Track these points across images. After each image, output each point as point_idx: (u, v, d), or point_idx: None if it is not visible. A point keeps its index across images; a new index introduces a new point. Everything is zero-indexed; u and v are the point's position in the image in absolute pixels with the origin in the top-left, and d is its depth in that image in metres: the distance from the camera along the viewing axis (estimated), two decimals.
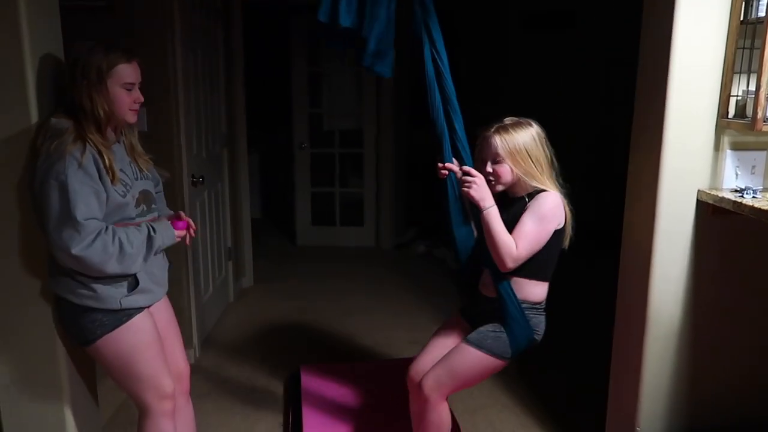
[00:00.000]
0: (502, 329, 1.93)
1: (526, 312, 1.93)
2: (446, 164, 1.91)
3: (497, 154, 1.87)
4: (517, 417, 2.77)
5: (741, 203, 1.80)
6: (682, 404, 2.13)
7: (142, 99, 1.77)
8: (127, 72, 1.72)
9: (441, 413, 2.01)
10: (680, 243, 2.00)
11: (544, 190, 1.88)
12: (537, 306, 1.97)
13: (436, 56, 1.87)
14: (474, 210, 1.90)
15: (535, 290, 1.96)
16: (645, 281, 2.04)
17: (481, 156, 1.91)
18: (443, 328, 2.14)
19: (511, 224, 1.85)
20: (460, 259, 2.04)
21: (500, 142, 1.87)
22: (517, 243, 1.82)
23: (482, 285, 2.03)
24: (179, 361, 2.02)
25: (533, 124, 1.92)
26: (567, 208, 1.92)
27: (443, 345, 2.05)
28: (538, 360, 3.32)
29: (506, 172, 1.88)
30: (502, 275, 1.88)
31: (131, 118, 1.78)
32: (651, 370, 2.09)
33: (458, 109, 1.90)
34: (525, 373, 3.17)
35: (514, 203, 1.92)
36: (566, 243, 1.96)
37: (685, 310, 2.06)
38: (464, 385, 2.02)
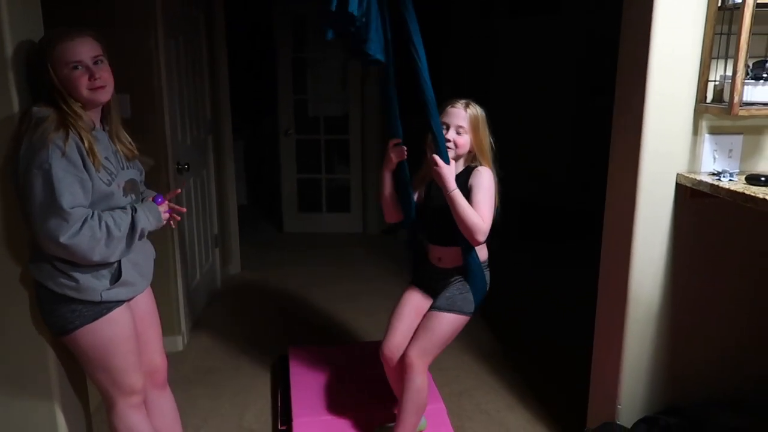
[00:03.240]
0: (467, 290, 2.14)
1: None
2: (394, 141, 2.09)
3: (461, 126, 2.05)
4: (503, 398, 2.83)
5: (718, 186, 1.84)
6: (662, 382, 2.19)
7: (102, 76, 1.67)
8: (70, 50, 1.62)
9: (425, 379, 2.17)
10: (660, 225, 2.05)
11: (476, 167, 2.07)
12: (485, 263, 2.23)
13: (413, 47, 1.95)
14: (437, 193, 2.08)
15: (483, 252, 2.21)
16: (626, 263, 2.08)
17: (445, 119, 2.06)
18: (403, 306, 2.26)
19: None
20: (408, 233, 2.28)
21: (468, 115, 2.05)
22: (482, 218, 2.01)
23: (435, 260, 2.21)
24: (155, 355, 1.99)
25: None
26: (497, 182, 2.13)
27: (409, 319, 2.21)
28: (523, 343, 3.39)
29: (465, 143, 2.06)
30: (471, 246, 2.08)
31: (99, 97, 1.68)
32: (631, 350, 2.14)
33: (431, 89, 1.99)
34: (510, 356, 3.23)
35: (461, 180, 2.07)
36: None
37: (665, 291, 2.11)
38: (443, 347, 2.19)
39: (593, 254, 2.38)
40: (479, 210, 2.01)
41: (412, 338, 2.16)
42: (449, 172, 2.00)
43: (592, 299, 2.36)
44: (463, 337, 3.41)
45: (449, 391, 2.84)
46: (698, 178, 1.93)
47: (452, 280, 2.17)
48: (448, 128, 2.06)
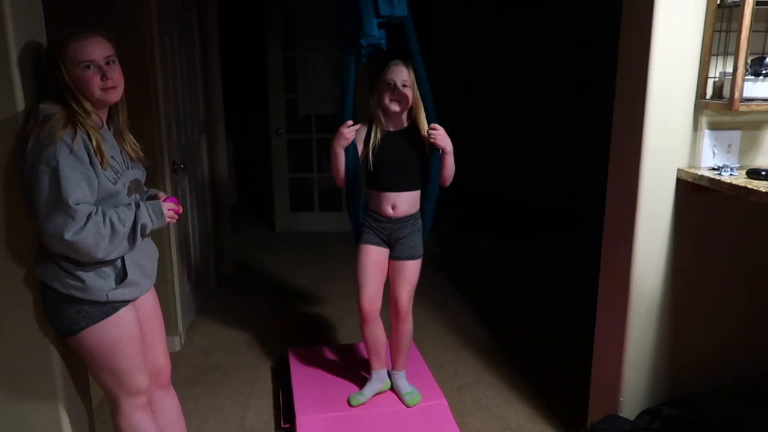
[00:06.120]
0: (419, 236, 2.48)
1: None
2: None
3: (406, 81, 2.32)
4: (502, 393, 2.85)
5: (718, 180, 1.87)
6: (664, 374, 2.22)
7: (114, 76, 1.67)
8: (83, 50, 1.62)
9: (411, 319, 2.57)
10: (661, 219, 2.08)
11: (432, 127, 2.33)
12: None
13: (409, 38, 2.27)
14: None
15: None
16: (627, 257, 2.11)
17: (391, 77, 2.32)
18: (365, 264, 2.48)
19: (412, 149, 2.38)
20: (352, 206, 2.50)
21: (409, 71, 2.33)
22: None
23: (388, 210, 2.43)
24: (159, 355, 1.98)
25: None
26: None
27: (374, 273, 2.48)
28: (522, 338, 3.41)
29: (410, 95, 2.33)
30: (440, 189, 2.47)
31: (111, 97, 1.69)
32: (633, 343, 2.17)
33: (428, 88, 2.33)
34: (509, 351, 3.25)
35: (405, 134, 2.40)
36: None
37: (666, 284, 2.14)
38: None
39: (588, 249, 2.41)
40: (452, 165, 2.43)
41: (397, 289, 2.48)
42: (445, 134, 2.34)
43: (592, 293, 2.39)
44: (462, 333, 3.45)
45: (449, 387, 2.85)
46: (699, 172, 1.96)
47: (406, 229, 2.45)
48: (394, 84, 2.32)
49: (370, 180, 2.45)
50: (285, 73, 5.28)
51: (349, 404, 2.56)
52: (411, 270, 2.48)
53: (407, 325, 2.55)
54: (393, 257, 2.48)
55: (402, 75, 2.32)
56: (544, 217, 5.68)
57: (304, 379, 2.75)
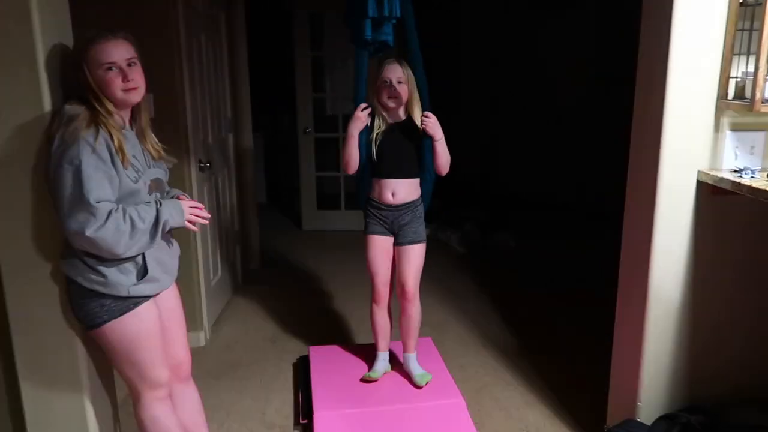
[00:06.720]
0: (420, 221, 2.63)
1: None
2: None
3: (401, 78, 2.48)
4: (521, 395, 2.83)
5: (740, 183, 1.83)
6: (683, 379, 2.18)
7: (135, 78, 1.72)
8: (105, 52, 1.67)
9: (419, 304, 2.73)
10: (680, 222, 2.04)
11: (426, 117, 2.47)
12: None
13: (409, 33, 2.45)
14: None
15: None
16: (646, 260, 2.08)
17: (387, 75, 2.49)
18: (374, 253, 2.66)
19: (410, 139, 2.54)
20: (361, 195, 2.70)
21: (403, 69, 2.49)
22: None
23: (388, 197, 2.58)
24: (180, 350, 2.03)
25: None
26: None
27: (383, 260, 2.66)
28: (541, 339, 3.39)
29: (405, 91, 2.50)
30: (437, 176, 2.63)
31: (132, 98, 1.74)
32: (652, 347, 2.14)
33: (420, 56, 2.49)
34: (528, 352, 3.23)
35: (403, 126, 2.55)
36: None
37: (686, 288, 2.10)
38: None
39: (613, 252, 2.38)
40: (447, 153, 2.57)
41: (404, 273, 2.65)
42: (437, 123, 2.49)
43: (612, 296, 2.36)
44: (483, 334, 3.44)
45: (468, 387, 2.85)
46: (720, 175, 1.92)
47: (407, 216, 2.60)
48: (390, 82, 2.48)
49: (372, 169, 2.61)
50: (313, 72, 5.33)
51: (362, 380, 2.74)
52: (415, 254, 2.63)
53: (415, 307, 2.71)
54: (397, 243, 2.65)
55: (397, 72, 2.48)
56: (572, 219, 5.61)
57: (324, 377, 2.79)
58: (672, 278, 2.09)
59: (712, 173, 1.95)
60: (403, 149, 2.56)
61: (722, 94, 1.94)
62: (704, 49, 1.92)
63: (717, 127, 1.98)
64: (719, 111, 1.96)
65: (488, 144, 6.44)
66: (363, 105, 2.53)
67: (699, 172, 2.00)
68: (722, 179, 1.90)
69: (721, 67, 1.93)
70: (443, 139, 2.53)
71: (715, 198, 2.00)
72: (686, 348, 2.16)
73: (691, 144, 1.98)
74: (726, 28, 1.89)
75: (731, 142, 1.98)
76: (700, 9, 1.88)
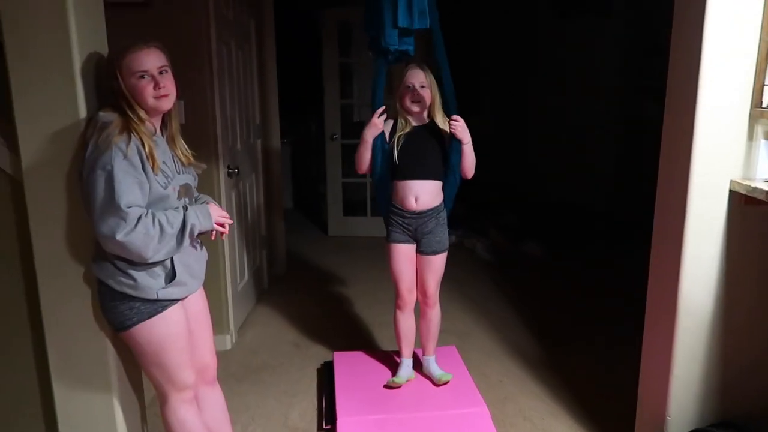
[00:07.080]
0: (444, 228, 2.65)
1: None
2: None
3: (424, 82, 2.53)
4: (547, 405, 2.80)
5: None
6: (713, 394, 2.14)
7: (166, 85, 1.77)
8: (137, 60, 1.72)
9: (439, 308, 2.79)
10: (712, 232, 2.00)
11: (453, 121, 2.51)
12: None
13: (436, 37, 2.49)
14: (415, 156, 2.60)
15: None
16: (676, 270, 2.04)
17: (410, 80, 2.54)
18: (398, 260, 2.68)
19: (433, 142, 2.59)
20: (380, 202, 2.74)
21: (425, 73, 2.55)
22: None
23: (411, 203, 2.59)
24: (206, 353, 2.06)
25: None
26: None
27: (407, 268, 2.69)
28: (567, 348, 3.35)
29: (428, 95, 2.55)
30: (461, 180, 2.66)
31: (163, 105, 1.79)
32: (682, 360, 2.10)
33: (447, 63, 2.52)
34: (554, 361, 3.19)
35: (427, 129, 2.61)
36: None
37: (716, 300, 2.06)
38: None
39: (642, 261, 2.35)
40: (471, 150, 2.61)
41: (425, 280, 2.69)
42: (465, 126, 2.53)
43: (641, 307, 2.32)
44: (508, 343, 3.42)
45: (493, 397, 2.83)
46: (753, 184, 1.88)
47: (430, 224, 2.62)
48: (413, 86, 2.53)
49: (394, 172, 2.62)
50: (341, 79, 5.37)
51: (386, 386, 2.75)
52: (437, 263, 2.68)
53: (435, 311, 2.77)
54: (420, 251, 2.67)
55: (419, 77, 2.54)
56: (602, 228, 5.54)
57: (347, 382, 2.79)
58: (702, 289, 2.05)
59: (745, 183, 1.91)
60: (426, 150, 2.59)
61: (756, 102, 1.90)
62: (737, 57, 1.88)
63: (751, 135, 1.94)
64: (753, 119, 1.92)
65: (520, 151, 6.40)
66: (382, 108, 2.58)
67: (731, 181, 1.96)
68: (755, 189, 1.86)
69: (756, 74, 1.89)
70: (471, 142, 2.57)
71: (747, 208, 1.96)
72: (717, 361, 2.11)
73: (724, 153, 1.95)
74: (761, 35, 1.86)
75: (766, 151, 1.94)
76: (732, 17, 1.85)
